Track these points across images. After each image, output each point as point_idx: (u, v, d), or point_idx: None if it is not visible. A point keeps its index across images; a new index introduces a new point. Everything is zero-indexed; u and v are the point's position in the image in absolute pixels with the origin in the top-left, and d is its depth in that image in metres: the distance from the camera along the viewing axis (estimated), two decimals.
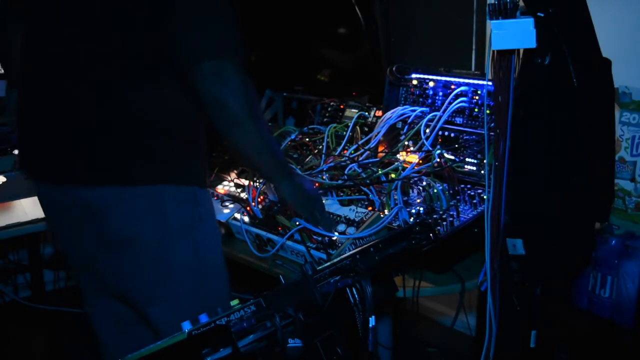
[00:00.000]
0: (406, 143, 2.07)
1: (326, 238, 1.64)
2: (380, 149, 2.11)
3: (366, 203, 1.78)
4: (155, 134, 1.47)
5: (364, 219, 1.67)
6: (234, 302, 1.01)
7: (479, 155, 1.92)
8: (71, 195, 1.49)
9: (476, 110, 2.00)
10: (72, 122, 1.45)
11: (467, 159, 1.93)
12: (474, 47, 2.47)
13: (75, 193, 1.48)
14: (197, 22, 1.37)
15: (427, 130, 2.03)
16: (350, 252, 1.15)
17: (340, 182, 1.88)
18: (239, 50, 1.41)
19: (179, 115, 1.50)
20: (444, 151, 1.94)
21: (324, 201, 1.74)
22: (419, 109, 2.12)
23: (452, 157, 1.94)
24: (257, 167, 1.68)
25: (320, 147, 2.19)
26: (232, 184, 2.14)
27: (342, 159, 2.02)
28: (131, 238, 1.49)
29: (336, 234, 1.64)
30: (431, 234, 1.24)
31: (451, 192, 1.80)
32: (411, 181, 1.86)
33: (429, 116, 2.06)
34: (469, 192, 1.80)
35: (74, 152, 1.47)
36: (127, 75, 1.42)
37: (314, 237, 1.66)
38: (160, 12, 1.36)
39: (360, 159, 2.03)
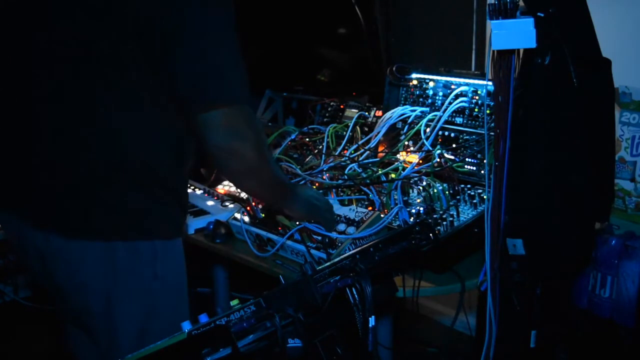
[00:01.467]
0: (406, 143, 2.07)
1: (327, 238, 1.64)
2: (380, 149, 2.11)
3: (366, 203, 1.78)
4: (124, 185, 1.37)
5: (364, 219, 1.67)
6: (234, 302, 1.01)
7: (479, 155, 1.92)
8: (26, 232, 1.45)
9: (476, 110, 2.00)
10: (40, 160, 1.38)
11: (467, 159, 1.93)
12: (474, 47, 2.47)
13: (29, 231, 1.43)
14: (207, 65, 1.31)
15: (427, 130, 2.03)
16: (350, 252, 1.15)
17: (340, 182, 1.88)
18: (247, 95, 1.37)
19: (162, 161, 1.41)
20: (444, 151, 1.94)
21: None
22: (419, 109, 2.12)
23: (452, 157, 1.94)
24: (266, 200, 1.67)
25: (320, 147, 2.19)
26: (232, 184, 2.14)
27: (342, 159, 2.02)
28: (82, 309, 1.45)
29: (335, 233, 1.64)
30: (431, 234, 1.24)
31: (451, 192, 1.80)
32: (411, 181, 1.86)
33: (429, 116, 2.06)
34: (469, 192, 1.80)
35: (33, 192, 1.41)
36: (110, 118, 1.34)
37: (314, 236, 1.66)
38: (168, 54, 1.29)
39: (360, 159, 2.03)
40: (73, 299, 1.46)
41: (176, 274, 1.52)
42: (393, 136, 2.13)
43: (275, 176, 1.51)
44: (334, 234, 1.64)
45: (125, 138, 1.35)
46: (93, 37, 1.31)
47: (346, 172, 1.93)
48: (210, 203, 2.06)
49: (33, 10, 1.36)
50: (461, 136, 1.99)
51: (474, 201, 1.75)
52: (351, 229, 1.65)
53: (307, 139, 2.25)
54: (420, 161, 1.97)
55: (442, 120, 2.01)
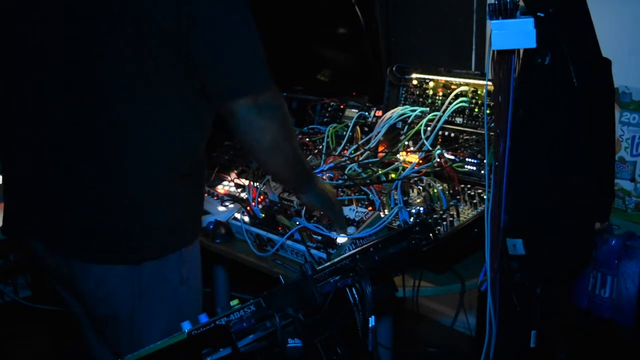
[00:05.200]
0: (406, 143, 2.07)
1: (326, 238, 1.64)
2: (380, 149, 2.11)
3: (366, 203, 1.78)
4: (152, 213, 1.41)
5: (364, 218, 1.67)
6: (234, 302, 1.01)
7: (479, 155, 1.92)
8: (47, 253, 1.48)
9: (476, 110, 2.00)
10: (54, 188, 1.40)
11: (467, 159, 1.93)
12: (474, 47, 2.47)
13: (49, 254, 1.47)
14: (233, 53, 1.34)
15: (427, 130, 2.03)
16: (350, 252, 1.15)
17: (340, 182, 1.88)
18: (268, 83, 1.39)
19: (183, 171, 1.44)
20: (444, 151, 1.94)
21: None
22: (419, 109, 2.12)
23: (452, 157, 1.94)
24: (289, 180, 1.68)
25: (320, 147, 2.19)
26: (232, 184, 2.14)
27: (342, 159, 2.02)
28: (108, 316, 1.48)
29: (338, 234, 1.64)
30: (431, 234, 1.24)
31: (451, 192, 1.80)
32: (411, 181, 1.86)
33: (429, 116, 2.06)
34: (469, 192, 1.80)
35: (48, 220, 1.43)
36: (128, 133, 1.35)
37: (314, 236, 1.67)
38: (190, 51, 1.31)
39: (360, 159, 2.03)
40: (99, 310, 1.49)
41: (196, 274, 1.56)
42: (393, 136, 2.13)
43: (299, 155, 1.52)
44: (334, 234, 1.64)
45: (146, 153, 1.37)
46: (108, 42, 1.31)
47: (346, 172, 1.93)
48: (210, 203, 2.06)
49: (51, 13, 1.35)
50: (461, 136, 1.99)
51: (474, 201, 1.75)
52: (351, 229, 1.65)
53: (307, 139, 2.25)
54: (420, 161, 1.97)
55: (442, 120, 2.01)
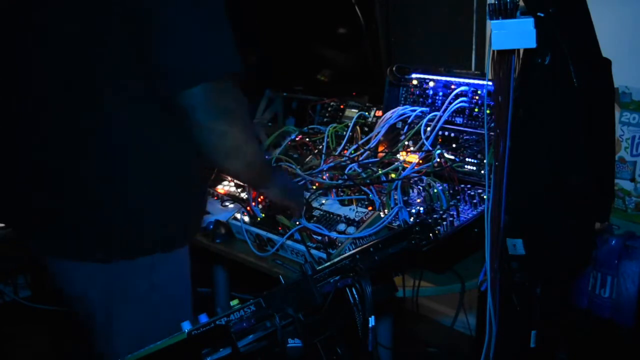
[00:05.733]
0: (406, 143, 2.07)
1: (326, 237, 1.64)
2: (380, 149, 2.11)
3: (366, 203, 1.78)
4: (122, 213, 1.36)
5: (364, 218, 1.67)
6: (234, 302, 1.01)
7: (479, 155, 1.92)
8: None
9: (476, 110, 2.00)
10: (48, 184, 1.37)
11: (467, 159, 1.93)
12: (474, 47, 2.47)
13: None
14: (189, 39, 1.24)
15: (427, 130, 2.03)
16: (350, 252, 1.15)
17: (340, 182, 1.88)
18: (233, 66, 1.29)
19: (176, 171, 1.40)
20: (444, 151, 1.94)
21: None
22: (419, 109, 2.12)
23: (452, 157, 1.94)
24: (249, 182, 1.68)
25: (320, 147, 2.19)
26: (232, 184, 2.14)
27: (342, 159, 2.02)
28: (87, 316, 1.47)
29: (335, 233, 1.64)
30: (431, 234, 1.24)
31: (451, 192, 1.80)
32: (411, 181, 1.86)
33: (429, 116, 2.06)
34: (469, 192, 1.80)
35: (36, 215, 1.41)
36: (110, 132, 1.31)
37: (314, 236, 1.67)
38: (150, 35, 1.24)
39: (360, 159, 2.03)
40: (78, 309, 1.48)
41: (177, 284, 1.51)
42: (393, 136, 2.13)
43: (260, 155, 1.49)
44: (333, 234, 1.64)
45: (125, 154, 1.33)
46: (83, 30, 1.26)
47: (346, 172, 1.93)
48: (210, 203, 2.06)
49: (19, 8, 1.32)
50: (461, 136, 1.99)
51: (474, 201, 1.75)
52: (351, 229, 1.65)
53: (307, 139, 2.25)
54: (420, 161, 1.97)
55: (442, 120, 2.01)
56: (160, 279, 1.44)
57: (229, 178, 2.18)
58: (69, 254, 1.40)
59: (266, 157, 1.68)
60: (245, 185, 1.89)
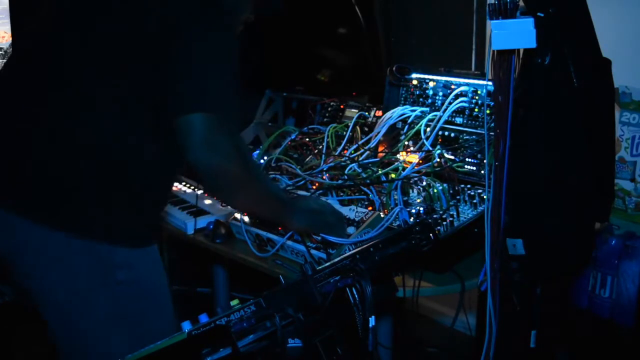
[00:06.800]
0: (406, 143, 2.07)
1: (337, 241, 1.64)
2: (380, 149, 2.11)
3: (366, 203, 1.78)
4: (93, 185, 1.36)
5: (364, 219, 1.67)
6: (234, 302, 1.01)
7: (479, 155, 1.92)
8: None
9: (476, 110, 2.00)
10: (30, 143, 1.38)
11: (467, 159, 1.93)
12: (474, 47, 2.47)
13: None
14: (197, 72, 1.31)
15: (427, 130, 2.03)
16: (350, 252, 1.15)
17: (340, 182, 1.88)
18: (231, 112, 1.36)
19: (149, 167, 1.41)
20: (444, 151, 1.94)
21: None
22: (419, 109, 2.12)
23: (452, 157, 1.94)
24: (262, 216, 1.65)
25: (320, 147, 2.19)
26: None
27: (342, 159, 2.02)
28: (37, 288, 1.43)
29: (346, 239, 1.64)
30: (431, 234, 1.24)
31: (451, 192, 1.80)
32: (411, 181, 1.86)
33: (429, 116, 2.06)
34: (469, 192, 1.80)
35: (10, 174, 1.40)
36: (99, 119, 1.35)
37: (314, 236, 1.66)
38: (166, 58, 1.31)
39: (360, 159, 2.03)
40: (33, 288, 1.44)
41: (148, 281, 1.48)
42: (393, 136, 2.13)
43: (267, 189, 1.48)
44: (345, 240, 1.61)
45: (108, 141, 1.35)
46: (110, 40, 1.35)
47: (346, 172, 1.93)
48: (210, 203, 2.06)
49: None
50: (461, 136, 1.99)
51: (474, 201, 1.75)
52: (351, 229, 1.65)
53: (307, 139, 2.25)
54: (420, 161, 1.97)
55: (442, 120, 2.01)
56: (128, 275, 1.42)
57: None
58: (26, 212, 1.36)
59: (279, 190, 1.62)
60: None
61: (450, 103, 2.03)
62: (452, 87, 2.07)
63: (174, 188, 2.08)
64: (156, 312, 1.50)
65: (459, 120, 2.02)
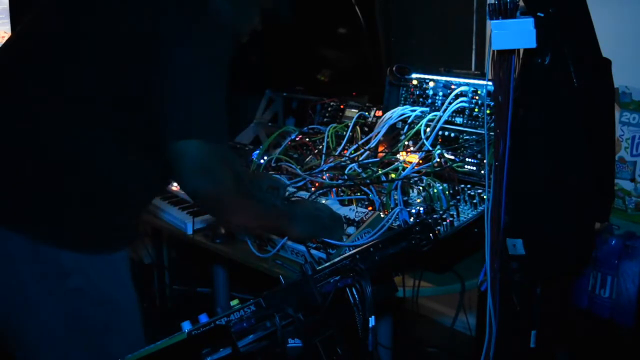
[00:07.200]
0: (406, 143, 2.07)
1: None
2: (380, 149, 2.11)
3: (366, 203, 1.78)
4: (53, 178, 1.32)
5: (364, 218, 1.67)
6: (234, 302, 1.01)
7: (479, 155, 1.92)
8: None
9: (476, 110, 2.00)
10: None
11: (467, 159, 1.93)
12: (474, 47, 2.47)
13: None
14: (190, 95, 1.29)
15: (427, 130, 2.03)
16: (350, 252, 1.15)
17: (340, 182, 1.88)
18: (224, 138, 1.35)
19: (112, 172, 1.37)
20: (444, 151, 1.94)
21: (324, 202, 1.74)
22: (419, 109, 2.12)
23: (452, 157, 1.94)
24: (265, 231, 1.66)
25: (320, 147, 2.19)
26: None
27: (342, 159, 2.02)
28: None
29: (345, 239, 1.64)
30: (431, 234, 1.24)
31: (451, 192, 1.80)
32: (411, 181, 1.86)
33: (429, 116, 2.06)
34: (469, 192, 1.80)
35: None
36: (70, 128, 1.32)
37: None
38: (157, 84, 1.29)
39: (360, 159, 2.03)
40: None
41: (107, 290, 1.41)
42: (393, 136, 2.13)
43: (264, 208, 1.47)
44: (345, 243, 1.61)
45: (63, 143, 1.33)
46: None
47: (346, 172, 1.93)
48: None
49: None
50: (461, 136, 1.99)
51: (474, 201, 1.75)
52: (351, 229, 1.65)
53: (307, 139, 2.25)
54: (420, 161, 1.97)
55: (442, 120, 2.01)
56: (82, 280, 1.37)
57: None
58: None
59: (276, 202, 1.59)
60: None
61: (450, 103, 2.03)
62: (452, 87, 2.07)
63: (173, 188, 2.07)
64: (119, 324, 1.44)
65: (459, 120, 2.02)
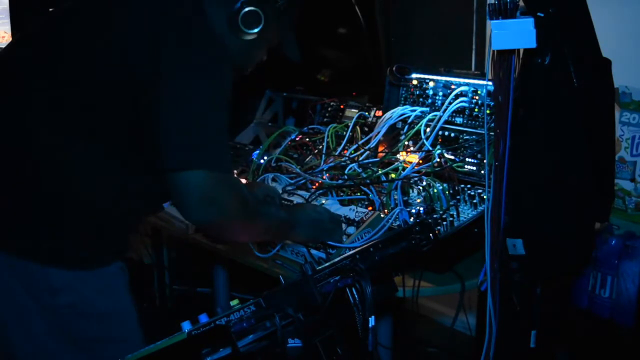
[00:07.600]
0: (406, 143, 2.07)
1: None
2: (380, 149, 2.11)
3: (366, 203, 1.78)
4: (37, 197, 1.30)
5: (364, 218, 1.67)
6: (234, 302, 1.01)
7: (479, 155, 1.92)
8: None
9: (476, 110, 2.00)
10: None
11: (467, 159, 1.93)
12: (474, 47, 2.47)
13: None
14: (191, 124, 1.26)
15: (427, 130, 2.03)
16: (350, 252, 1.15)
17: (340, 182, 1.88)
18: (229, 164, 1.34)
19: (98, 192, 1.34)
20: (444, 151, 1.94)
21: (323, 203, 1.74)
22: (419, 109, 2.12)
23: (452, 157, 1.94)
24: (271, 240, 1.67)
25: (320, 147, 2.19)
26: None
27: (342, 159, 2.02)
28: None
29: (345, 239, 1.64)
30: (431, 234, 1.24)
31: (451, 192, 1.80)
32: (411, 181, 1.86)
33: (429, 116, 2.06)
34: (469, 192, 1.80)
35: None
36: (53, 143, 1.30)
37: None
38: (154, 115, 1.26)
39: (361, 159, 2.03)
40: None
41: (97, 305, 1.38)
42: (393, 136, 2.13)
43: (268, 221, 1.47)
44: (345, 245, 1.62)
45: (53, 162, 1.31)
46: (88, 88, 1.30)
47: (346, 172, 1.93)
48: None
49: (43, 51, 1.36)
50: (461, 136, 1.99)
51: (474, 201, 1.75)
52: (351, 229, 1.65)
53: (307, 139, 2.25)
54: (420, 161, 1.97)
55: (442, 120, 2.01)
56: (69, 296, 1.34)
57: None
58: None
59: (278, 212, 1.57)
60: None
61: (450, 103, 2.03)
62: (452, 87, 2.07)
63: None
64: (117, 336, 1.41)
65: (459, 120, 2.02)
